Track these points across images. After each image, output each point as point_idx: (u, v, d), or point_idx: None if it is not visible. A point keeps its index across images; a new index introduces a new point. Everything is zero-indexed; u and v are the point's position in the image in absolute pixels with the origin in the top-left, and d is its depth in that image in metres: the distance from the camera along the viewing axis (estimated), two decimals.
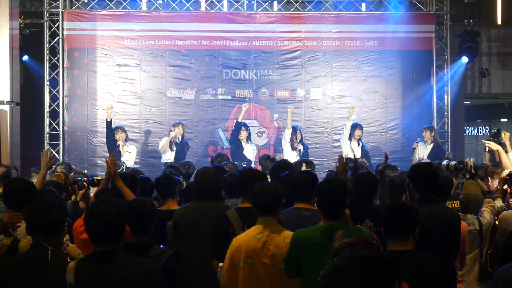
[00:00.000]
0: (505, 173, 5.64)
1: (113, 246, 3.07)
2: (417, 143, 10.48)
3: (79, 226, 4.00)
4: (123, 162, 9.83)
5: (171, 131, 10.11)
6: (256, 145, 10.67)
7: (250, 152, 10.04)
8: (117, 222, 3.10)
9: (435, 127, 11.59)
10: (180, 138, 10.10)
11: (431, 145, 10.36)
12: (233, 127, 10.45)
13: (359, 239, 2.34)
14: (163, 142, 10.17)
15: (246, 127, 10.30)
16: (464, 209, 4.94)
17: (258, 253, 3.73)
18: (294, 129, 10.19)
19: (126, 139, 10.03)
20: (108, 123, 10.11)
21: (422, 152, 10.35)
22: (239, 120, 10.30)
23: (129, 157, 9.97)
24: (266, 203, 3.77)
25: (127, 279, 2.96)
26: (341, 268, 1.93)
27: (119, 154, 9.89)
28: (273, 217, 3.81)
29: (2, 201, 4.54)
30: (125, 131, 10.10)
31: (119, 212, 3.12)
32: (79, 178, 5.53)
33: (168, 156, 9.99)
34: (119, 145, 9.91)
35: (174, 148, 10.01)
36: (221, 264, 4.00)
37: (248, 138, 10.24)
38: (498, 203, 5.44)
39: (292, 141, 10.10)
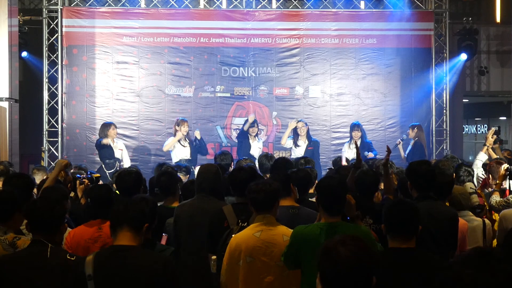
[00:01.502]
0: (503, 168, 5.65)
1: (134, 236, 3.09)
2: (401, 140, 10.55)
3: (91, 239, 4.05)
4: (117, 158, 9.74)
5: (177, 130, 9.92)
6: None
7: (256, 150, 9.90)
8: (143, 218, 3.13)
9: (433, 124, 11.63)
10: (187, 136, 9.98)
11: (413, 142, 10.45)
12: (239, 134, 10.35)
13: (347, 236, 2.33)
14: (169, 142, 9.99)
15: (256, 123, 10.18)
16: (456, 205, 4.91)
17: (257, 251, 3.73)
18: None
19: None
20: (104, 145, 9.80)
21: (404, 149, 10.48)
22: (245, 129, 10.12)
23: (122, 154, 9.90)
24: (262, 200, 3.78)
25: (144, 271, 2.98)
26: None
27: (112, 153, 9.77)
28: (271, 214, 3.82)
29: None
30: (116, 127, 10.06)
31: (148, 209, 3.19)
32: (78, 176, 5.53)
33: (184, 154, 9.80)
34: (109, 145, 9.74)
35: (186, 145, 9.86)
36: (214, 257, 4.02)
37: (257, 134, 10.11)
38: (496, 197, 5.45)
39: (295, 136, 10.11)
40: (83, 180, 5.32)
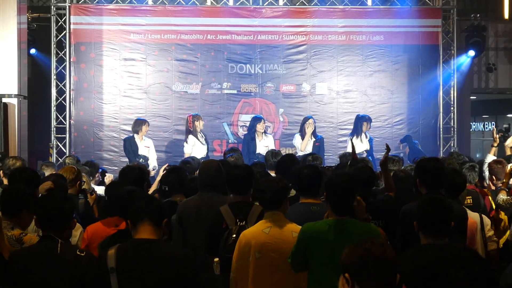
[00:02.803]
0: (510, 167, 5.65)
1: (155, 230, 3.12)
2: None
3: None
4: (142, 156, 9.73)
5: (195, 126, 9.85)
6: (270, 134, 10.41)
7: (262, 149, 9.65)
8: (162, 212, 3.19)
9: (441, 122, 11.60)
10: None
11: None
12: (245, 135, 10.22)
13: (372, 238, 2.41)
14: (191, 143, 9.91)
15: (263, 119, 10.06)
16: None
17: (266, 248, 3.74)
18: (306, 118, 10.12)
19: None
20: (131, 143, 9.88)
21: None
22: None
23: (149, 151, 9.85)
24: (271, 197, 3.79)
25: (167, 264, 3.00)
26: None
27: (136, 151, 9.78)
28: (280, 211, 3.83)
29: None
30: (148, 125, 10.08)
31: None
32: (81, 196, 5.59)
33: (202, 152, 9.77)
34: (134, 142, 9.80)
35: (204, 143, 9.87)
36: (216, 260, 4.04)
37: (265, 131, 9.99)
38: (503, 195, 5.44)
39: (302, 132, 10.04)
40: (93, 191, 5.41)
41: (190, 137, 9.93)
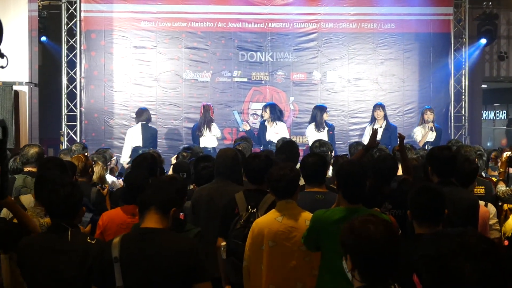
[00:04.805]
0: (505, 155, 5.59)
1: (162, 219, 3.08)
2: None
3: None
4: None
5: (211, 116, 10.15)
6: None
7: (272, 136, 9.73)
8: (170, 201, 3.12)
9: (452, 110, 11.54)
10: None
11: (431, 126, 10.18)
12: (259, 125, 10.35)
13: (371, 215, 2.38)
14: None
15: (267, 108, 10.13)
16: None
17: (279, 236, 3.75)
18: (322, 108, 10.10)
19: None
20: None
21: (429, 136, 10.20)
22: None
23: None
24: (285, 186, 3.79)
25: (171, 254, 2.97)
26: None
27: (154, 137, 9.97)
28: (292, 200, 3.84)
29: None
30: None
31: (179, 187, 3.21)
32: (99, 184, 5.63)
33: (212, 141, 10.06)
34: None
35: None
36: (223, 244, 4.07)
37: (273, 119, 9.97)
38: (502, 186, 5.40)
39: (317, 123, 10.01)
40: (104, 187, 5.44)
41: (213, 125, 10.10)
